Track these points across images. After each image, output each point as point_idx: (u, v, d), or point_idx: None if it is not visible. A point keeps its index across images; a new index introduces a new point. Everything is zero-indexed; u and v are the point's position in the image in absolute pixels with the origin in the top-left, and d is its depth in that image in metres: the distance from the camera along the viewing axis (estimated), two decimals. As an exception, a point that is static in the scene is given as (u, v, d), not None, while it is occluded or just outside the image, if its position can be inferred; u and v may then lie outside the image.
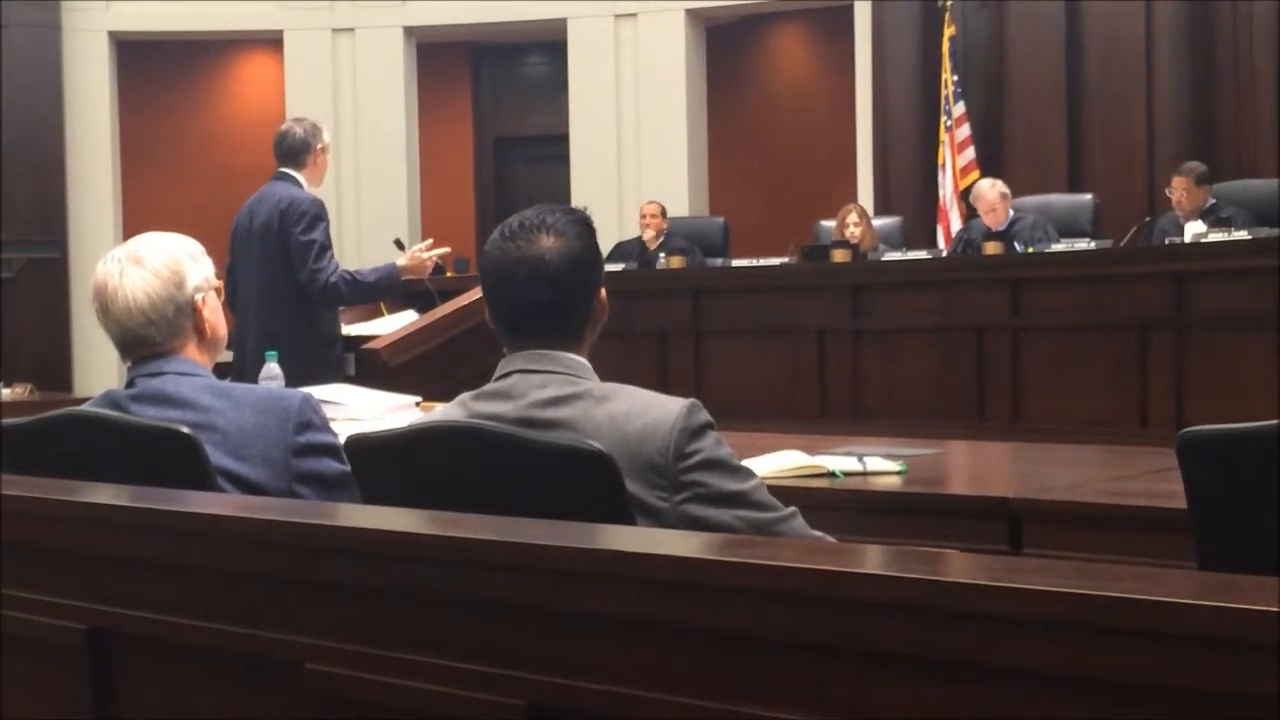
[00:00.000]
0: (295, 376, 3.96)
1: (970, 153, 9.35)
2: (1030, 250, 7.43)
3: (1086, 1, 9.47)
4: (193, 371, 2.33)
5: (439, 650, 1.50)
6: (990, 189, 8.04)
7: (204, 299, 2.38)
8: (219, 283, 2.45)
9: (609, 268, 5.79)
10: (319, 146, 5.17)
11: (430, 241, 5.43)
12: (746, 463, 2.08)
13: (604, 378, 2.05)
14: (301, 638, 1.62)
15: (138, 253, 2.36)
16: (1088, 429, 6.37)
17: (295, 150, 5.17)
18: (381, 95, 11.52)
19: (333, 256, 5.08)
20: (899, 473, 2.82)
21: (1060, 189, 9.00)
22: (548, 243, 2.04)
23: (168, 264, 2.35)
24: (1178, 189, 7.63)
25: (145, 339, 2.33)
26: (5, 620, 1.92)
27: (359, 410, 3.53)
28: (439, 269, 8.02)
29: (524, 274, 2.03)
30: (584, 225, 2.09)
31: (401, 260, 5.24)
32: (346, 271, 5.10)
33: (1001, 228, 7.82)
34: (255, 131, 11.49)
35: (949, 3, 9.45)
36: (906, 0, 9.97)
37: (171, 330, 2.34)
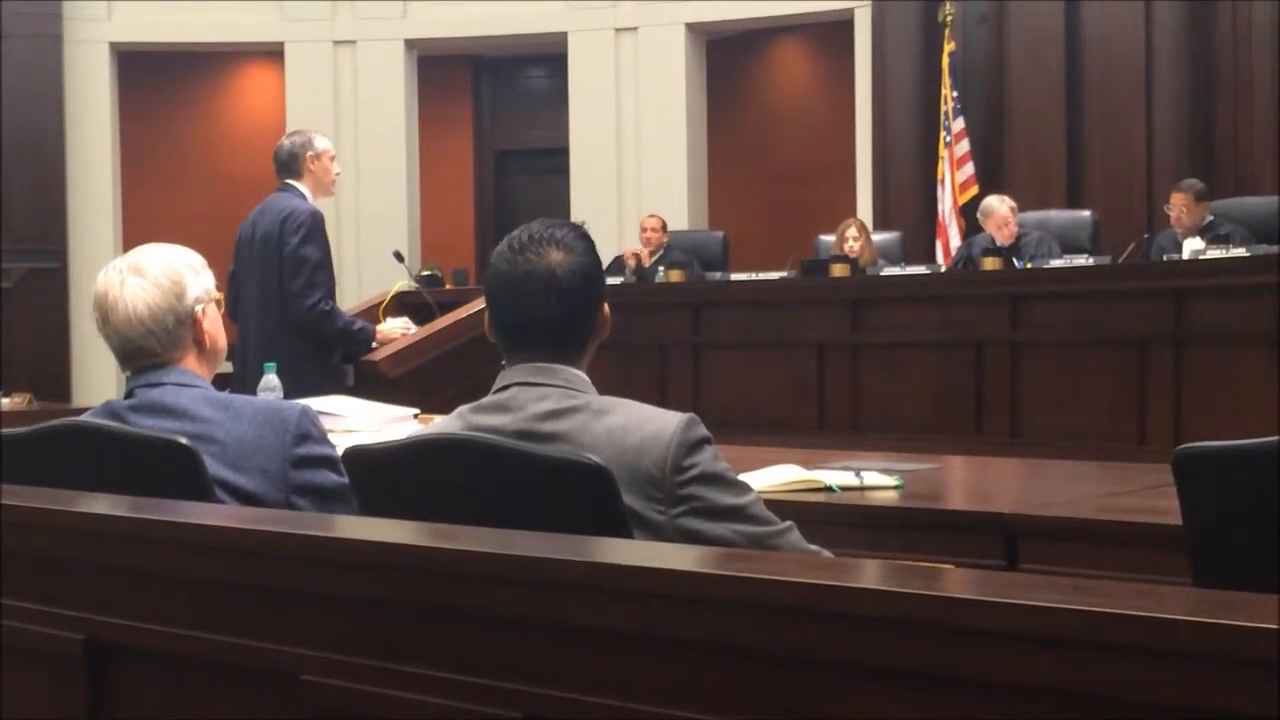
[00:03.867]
0: (294, 388, 3.96)
1: (969, 168, 9.36)
2: (1029, 265, 7.44)
3: (1086, 17, 9.49)
4: (192, 383, 2.33)
5: (435, 662, 1.51)
6: (1000, 204, 8.06)
7: (204, 310, 2.39)
8: (219, 294, 2.46)
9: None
10: (308, 155, 5.22)
11: (406, 321, 5.40)
12: (743, 477, 2.08)
13: (603, 391, 2.05)
14: (298, 649, 1.62)
15: (139, 263, 2.36)
16: (1086, 444, 6.37)
17: (286, 163, 5.27)
18: (382, 108, 11.52)
19: (328, 279, 5.08)
20: (896, 487, 2.82)
21: (1059, 205, 9.01)
22: (557, 257, 2.04)
23: (168, 275, 2.36)
24: (1176, 205, 7.65)
25: (145, 349, 2.34)
26: (3, 630, 1.92)
27: (357, 422, 3.53)
28: (436, 280, 8.04)
29: (534, 288, 2.03)
30: (589, 241, 2.10)
31: (382, 327, 5.25)
32: (341, 312, 5.12)
33: (1010, 242, 7.85)
34: (256, 143, 11.50)
35: (949, 18, 9.47)
36: (907, 15, 9.99)
37: (171, 341, 2.34)
